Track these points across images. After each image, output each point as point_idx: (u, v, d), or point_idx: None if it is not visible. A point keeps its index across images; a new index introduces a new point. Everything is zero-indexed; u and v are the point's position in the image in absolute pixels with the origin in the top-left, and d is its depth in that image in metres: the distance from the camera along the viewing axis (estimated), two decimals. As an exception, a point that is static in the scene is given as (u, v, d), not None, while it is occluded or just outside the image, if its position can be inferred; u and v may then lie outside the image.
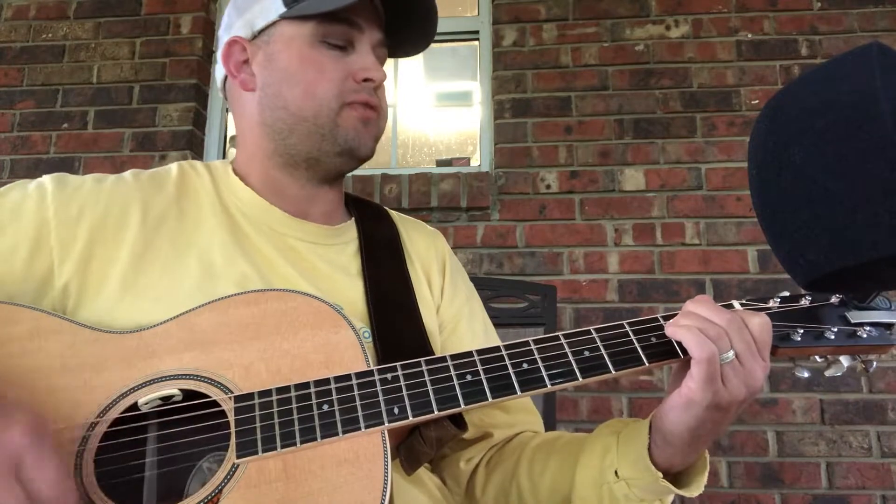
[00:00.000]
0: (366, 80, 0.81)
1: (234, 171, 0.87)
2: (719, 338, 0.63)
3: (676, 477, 0.70)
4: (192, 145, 2.51)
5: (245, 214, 0.82)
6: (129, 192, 0.79)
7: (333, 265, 0.84)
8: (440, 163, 2.68)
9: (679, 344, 0.67)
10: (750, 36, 2.42)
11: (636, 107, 2.39)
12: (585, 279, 2.26)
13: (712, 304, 0.67)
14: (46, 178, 0.78)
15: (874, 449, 2.06)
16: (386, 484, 0.60)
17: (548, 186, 2.35)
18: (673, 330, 0.67)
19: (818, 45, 2.39)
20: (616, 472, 0.70)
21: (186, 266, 0.75)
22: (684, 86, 2.40)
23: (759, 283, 2.21)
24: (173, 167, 0.86)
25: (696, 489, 0.70)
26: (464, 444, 0.87)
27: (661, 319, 0.72)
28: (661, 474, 0.67)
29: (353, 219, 0.92)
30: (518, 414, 0.90)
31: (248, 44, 0.84)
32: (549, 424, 1.40)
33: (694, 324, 0.65)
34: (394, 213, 0.98)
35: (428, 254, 0.95)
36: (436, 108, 2.94)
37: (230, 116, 2.71)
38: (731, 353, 0.63)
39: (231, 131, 2.72)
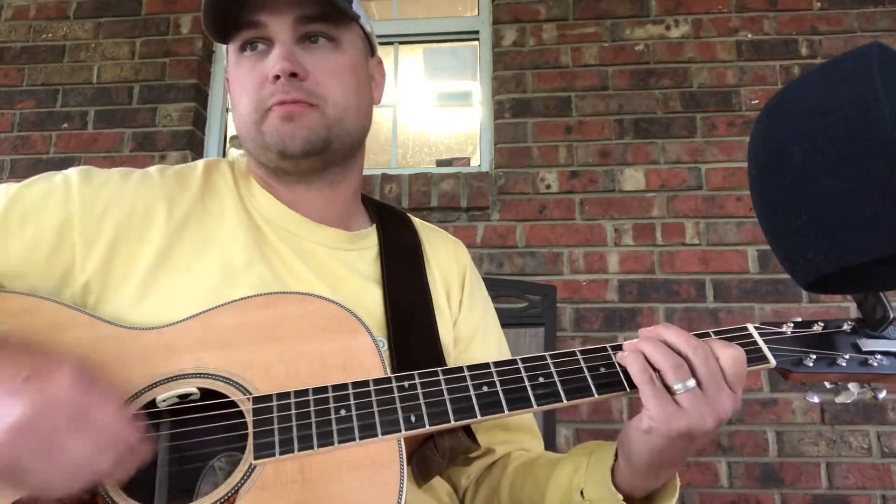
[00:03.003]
0: (276, 77, 0.77)
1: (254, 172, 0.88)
2: (677, 366, 0.63)
3: (647, 501, 0.70)
4: (192, 145, 2.51)
5: (264, 217, 0.83)
6: (154, 189, 0.79)
7: (352, 270, 0.84)
8: (440, 163, 2.68)
9: None
10: (750, 36, 2.42)
11: (636, 107, 2.39)
12: (585, 279, 2.26)
13: (681, 331, 0.66)
14: (73, 171, 0.78)
15: (874, 449, 2.06)
16: (401, 491, 0.60)
17: (548, 186, 2.35)
18: (621, 355, 0.67)
19: (818, 45, 2.39)
20: (581, 493, 0.70)
21: (207, 266, 0.75)
22: (684, 86, 2.40)
23: (760, 283, 2.21)
24: (199, 164, 0.86)
25: None
26: (468, 461, 0.88)
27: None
28: (621, 496, 0.67)
29: (374, 225, 0.91)
30: (518, 434, 0.90)
31: (228, 74, 0.86)
32: (550, 425, 1.40)
33: (644, 348, 0.65)
34: (417, 221, 0.98)
35: (449, 264, 0.94)
36: (436, 108, 2.94)
37: (230, 116, 2.71)
38: (691, 382, 0.62)
39: (231, 132, 2.72)
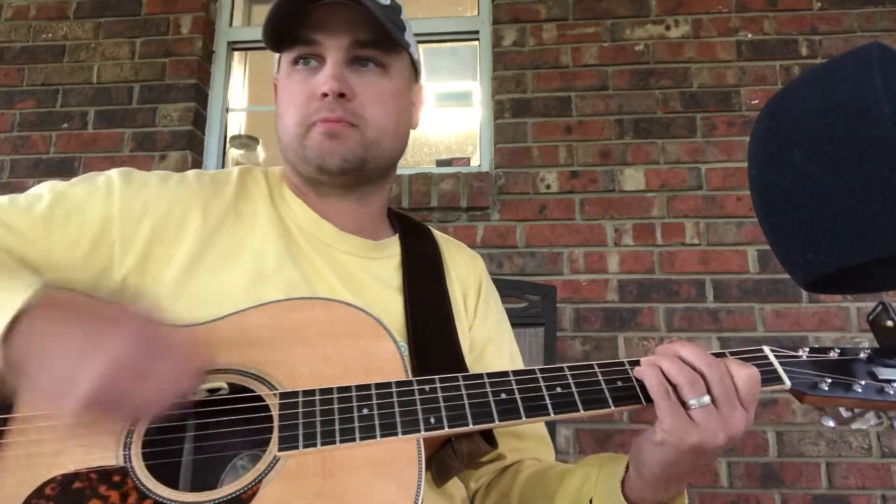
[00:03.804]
0: (324, 94, 0.81)
1: (287, 181, 0.91)
2: (693, 382, 0.64)
3: None
4: (192, 145, 2.51)
5: (297, 225, 0.86)
6: (191, 193, 0.82)
7: (376, 278, 0.87)
8: (440, 163, 2.68)
9: None
10: (750, 36, 2.42)
11: (636, 107, 2.39)
12: (585, 279, 2.26)
13: (697, 349, 0.67)
14: (114, 173, 0.82)
15: (874, 449, 2.06)
16: (419, 488, 0.62)
17: (548, 186, 2.35)
18: (638, 369, 0.68)
19: (818, 45, 2.39)
20: (591, 502, 0.71)
21: (238, 268, 0.78)
22: (684, 86, 2.40)
23: (760, 283, 2.21)
24: (234, 171, 0.90)
25: None
26: (479, 464, 0.89)
27: None
28: None
29: (396, 235, 0.94)
30: (529, 442, 0.91)
31: (278, 83, 0.90)
32: (550, 425, 1.40)
33: (661, 363, 0.66)
34: (437, 233, 1.01)
35: (467, 274, 0.97)
36: (436, 108, 2.94)
37: (230, 116, 2.71)
38: (706, 398, 0.63)
39: (231, 132, 2.72)
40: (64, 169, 2.48)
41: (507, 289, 1.52)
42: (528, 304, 1.47)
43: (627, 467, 0.70)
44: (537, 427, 0.93)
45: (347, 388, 0.67)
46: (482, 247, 2.31)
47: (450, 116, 3.00)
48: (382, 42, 0.83)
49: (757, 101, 2.36)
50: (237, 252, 0.80)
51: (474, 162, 2.60)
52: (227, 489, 0.61)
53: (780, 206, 0.68)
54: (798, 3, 2.43)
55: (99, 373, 0.55)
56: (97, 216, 0.76)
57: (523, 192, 2.35)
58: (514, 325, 1.43)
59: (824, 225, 0.64)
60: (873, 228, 0.60)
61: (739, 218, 2.27)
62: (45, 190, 0.78)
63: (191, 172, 0.87)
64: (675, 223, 2.28)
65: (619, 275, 2.26)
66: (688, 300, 2.22)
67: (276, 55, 0.88)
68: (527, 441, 0.91)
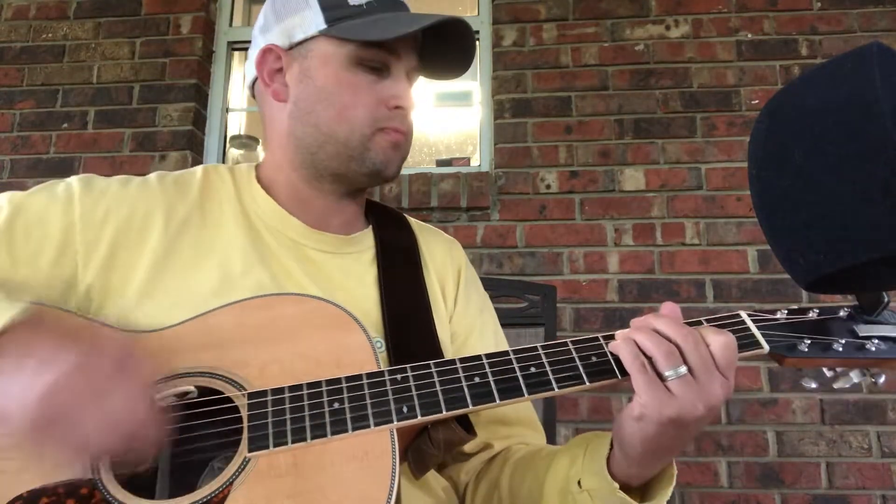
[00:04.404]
0: (397, 107, 0.83)
1: (257, 176, 0.89)
2: (669, 353, 0.63)
3: (644, 491, 0.70)
4: (192, 145, 2.51)
5: (265, 223, 0.84)
6: (153, 196, 0.81)
7: (349, 275, 0.86)
8: (440, 163, 2.68)
9: None
10: (750, 36, 2.42)
11: (636, 107, 2.39)
12: (585, 279, 2.26)
13: (671, 320, 0.66)
14: (74, 180, 0.80)
15: (874, 449, 2.06)
16: (394, 479, 0.61)
17: (548, 186, 2.35)
18: (613, 343, 0.67)
19: (818, 45, 2.39)
20: (579, 483, 0.70)
21: (205, 272, 0.77)
22: (684, 86, 2.40)
23: (760, 283, 2.21)
24: (198, 171, 0.88)
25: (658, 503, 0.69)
26: (466, 456, 0.88)
27: None
28: (617, 485, 0.67)
29: (370, 227, 0.93)
30: (517, 428, 0.90)
31: (284, 53, 0.85)
32: (550, 424, 1.40)
33: (636, 337, 0.65)
34: (412, 221, 0.99)
35: (444, 262, 0.95)
36: (436, 108, 2.94)
37: (230, 116, 2.70)
38: (682, 369, 0.62)
39: (231, 132, 2.72)
40: (64, 169, 2.48)
41: (507, 289, 1.52)
42: (528, 304, 1.47)
43: (612, 444, 0.69)
44: (523, 411, 0.92)
45: (317, 383, 0.66)
46: (482, 247, 2.31)
47: (450, 116, 3.00)
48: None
49: (757, 101, 2.36)
50: (204, 254, 0.78)
51: (474, 162, 2.60)
52: (196, 495, 0.60)
53: (780, 206, 0.68)
54: (798, 3, 2.43)
55: (40, 390, 0.53)
56: (58, 226, 0.75)
57: (523, 192, 2.35)
58: (514, 325, 1.43)
59: (824, 225, 0.64)
60: (873, 228, 0.60)
61: (739, 218, 2.27)
62: (4, 202, 0.76)
63: (153, 175, 0.85)
64: (675, 223, 2.28)
65: (619, 275, 2.26)
66: (688, 300, 2.22)
67: (298, 32, 0.83)
68: (514, 427, 0.89)
